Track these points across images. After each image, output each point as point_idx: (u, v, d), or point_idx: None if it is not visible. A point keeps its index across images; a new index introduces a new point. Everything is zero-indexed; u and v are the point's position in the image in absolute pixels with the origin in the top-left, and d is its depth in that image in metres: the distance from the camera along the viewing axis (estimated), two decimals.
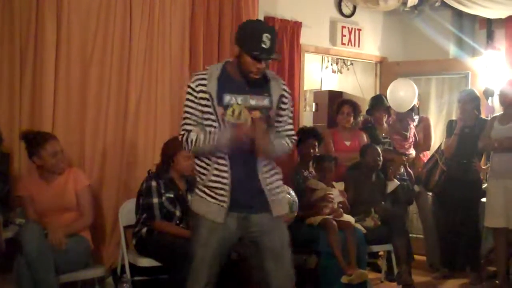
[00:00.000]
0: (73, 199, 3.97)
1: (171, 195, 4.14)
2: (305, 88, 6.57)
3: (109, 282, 4.45)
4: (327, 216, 4.74)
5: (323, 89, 8.39)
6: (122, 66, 4.66)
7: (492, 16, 6.46)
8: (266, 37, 2.88)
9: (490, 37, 6.71)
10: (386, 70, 6.91)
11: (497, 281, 5.22)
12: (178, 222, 4.11)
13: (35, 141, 3.89)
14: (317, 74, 8.41)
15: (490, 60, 6.48)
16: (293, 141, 3.20)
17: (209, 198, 2.99)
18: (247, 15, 5.28)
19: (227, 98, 2.96)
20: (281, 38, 5.77)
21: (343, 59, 7.75)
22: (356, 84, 7.94)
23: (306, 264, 4.64)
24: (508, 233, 5.14)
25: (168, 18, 4.87)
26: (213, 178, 2.97)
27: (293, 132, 3.21)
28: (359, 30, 6.65)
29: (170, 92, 4.88)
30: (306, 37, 6.10)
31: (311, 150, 5.13)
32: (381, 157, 5.25)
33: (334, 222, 4.69)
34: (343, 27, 6.49)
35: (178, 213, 4.12)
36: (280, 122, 3.12)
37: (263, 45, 2.88)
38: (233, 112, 2.95)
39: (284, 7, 5.94)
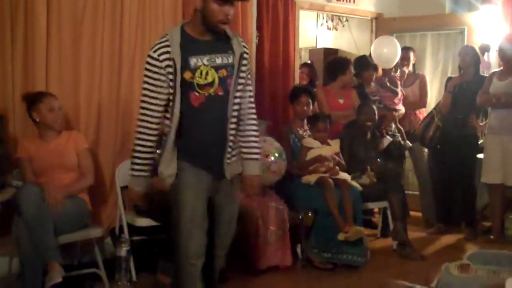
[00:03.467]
0: (74, 159, 3.99)
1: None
2: (300, 46, 6.49)
3: (108, 243, 4.48)
4: (323, 174, 4.76)
5: (318, 46, 8.32)
6: (115, 23, 4.56)
7: None
8: None
9: None
10: (382, 26, 6.84)
11: (491, 236, 5.29)
12: None
13: (34, 98, 3.93)
14: (312, 31, 8.32)
15: (486, 15, 6.41)
16: (255, 111, 3.24)
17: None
18: None
19: (193, 61, 2.93)
20: None
21: (339, 16, 7.65)
22: (351, 41, 7.88)
23: (302, 222, 4.66)
24: (504, 189, 5.18)
25: None
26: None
27: (252, 93, 3.25)
28: None
29: None
30: None
31: (305, 108, 5.10)
32: (376, 115, 5.25)
33: (330, 180, 4.71)
34: None
35: None
36: (242, 78, 3.10)
37: None
38: (201, 74, 2.95)
39: None
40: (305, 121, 5.13)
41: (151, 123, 3.00)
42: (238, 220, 3.31)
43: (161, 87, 2.94)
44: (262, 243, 4.42)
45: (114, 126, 4.62)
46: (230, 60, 3.02)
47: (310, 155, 4.90)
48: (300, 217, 4.66)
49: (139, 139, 3.03)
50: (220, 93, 3.01)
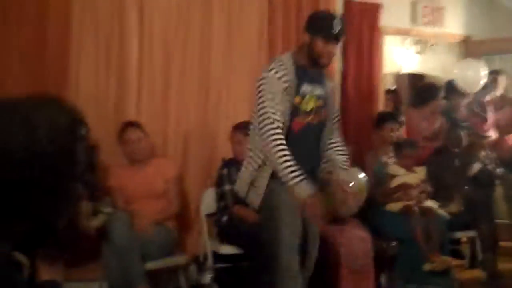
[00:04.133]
0: (162, 187, 4.13)
1: None
2: (384, 71, 6.44)
3: (193, 270, 4.58)
4: (408, 202, 4.68)
5: (403, 71, 8.20)
6: (203, 54, 4.77)
7: None
8: (336, 22, 3.13)
9: None
10: (470, 49, 6.67)
11: None
12: None
13: (122, 128, 4.15)
14: (398, 56, 8.21)
15: None
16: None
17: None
18: (326, 1, 5.25)
19: (303, 88, 3.17)
20: (360, 21, 5.69)
21: (425, 40, 7.53)
22: (438, 65, 7.71)
23: (386, 251, 4.59)
24: None
25: (246, 12, 4.93)
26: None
27: (339, 119, 3.51)
28: (441, 8, 6.43)
29: (249, 83, 4.91)
30: (386, 19, 5.95)
31: (390, 134, 5.06)
32: (464, 141, 5.12)
33: (416, 208, 4.62)
34: (424, 6, 6.30)
35: None
36: (335, 109, 3.43)
37: (334, 30, 3.11)
38: (307, 101, 3.18)
39: None
40: (390, 148, 5.08)
41: (280, 128, 3.05)
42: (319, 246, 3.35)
43: (281, 109, 3.07)
44: (345, 273, 4.38)
45: (200, 154, 4.76)
46: (324, 92, 3.28)
47: (395, 182, 4.84)
48: (385, 246, 4.60)
49: (276, 145, 3.02)
50: (315, 122, 3.25)
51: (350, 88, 5.67)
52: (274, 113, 3.04)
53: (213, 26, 4.80)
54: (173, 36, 4.67)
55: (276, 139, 3.02)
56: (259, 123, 3.07)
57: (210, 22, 4.79)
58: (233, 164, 4.22)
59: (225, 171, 4.20)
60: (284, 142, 3.03)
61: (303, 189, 2.99)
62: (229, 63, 4.86)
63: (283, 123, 3.07)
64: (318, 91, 3.24)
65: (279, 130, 3.03)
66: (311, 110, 3.21)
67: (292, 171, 2.98)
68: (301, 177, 2.98)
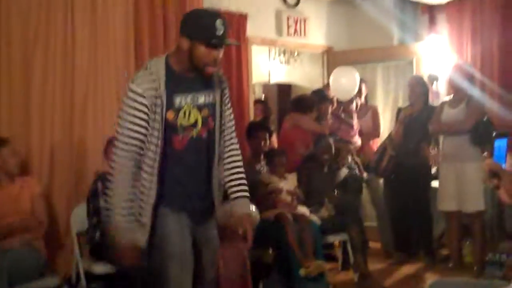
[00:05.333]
0: (28, 205, 3.91)
1: None
2: (253, 81, 6.52)
3: None
4: (282, 210, 4.73)
5: (271, 81, 8.37)
6: (66, 60, 4.49)
7: (433, 2, 6.56)
8: (219, 22, 2.66)
9: (432, 22, 6.81)
10: (332, 59, 6.94)
11: (450, 264, 5.32)
12: None
13: None
14: (265, 66, 8.37)
15: (433, 45, 6.58)
16: (238, 146, 3.05)
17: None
18: (192, 7, 5.20)
19: (177, 100, 2.74)
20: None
21: (290, 50, 7.73)
22: (303, 75, 7.96)
23: (262, 259, 4.61)
24: (459, 216, 5.24)
25: (111, 11, 4.73)
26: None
27: (236, 140, 3.04)
28: (305, 20, 6.63)
29: (116, 86, 4.73)
30: (252, 29, 6.03)
31: (262, 144, 5.11)
32: (333, 148, 5.29)
33: (289, 215, 4.69)
34: (288, 17, 6.46)
35: None
36: (227, 117, 2.94)
37: (218, 32, 2.65)
38: (184, 114, 2.76)
39: None
40: (262, 156, 5.12)
41: (129, 162, 2.70)
42: None
43: (140, 126, 2.68)
44: (224, 283, 4.33)
45: (68, 168, 4.50)
46: (211, 98, 2.85)
47: (268, 190, 4.88)
48: (261, 254, 4.61)
49: (120, 177, 2.70)
50: (204, 135, 2.84)
51: None
52: (128, 136, 2.67)
53: (76, 30, 4.54)
54: (33, 41, 4.34)
55: (122, 168, 2.69)
56: (115, 141, 2.73)
57: (73, 26, 4.53)
58: (107, 178, 4.03)
59: (99, 185, 4.00)
60: (129, 173, 2.69)
61: (131, 233, 2.71)
62: (94, 68, 4.63)
63: (145, 143, 2.70)
64: (202, 99, 2.81)
65: (129, 155, 2.68)
66: (195, 122, 2.79)
67: (123, 211, 2.69)
68: (130, 220, 2.70)
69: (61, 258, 4.39)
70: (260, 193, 4.85)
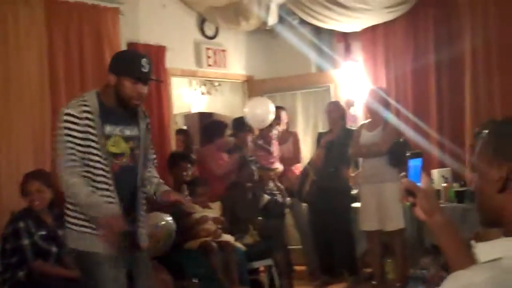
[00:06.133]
0: None
1: (44, 232, 3.95)
2: (174, 112, 6.54)
3: None
4: (206, 239, 4.75)
5: (193, 111, 8.41)
6: None
7: (347, 30, 6.79)
8: (144, 61, 2.99)
9: (347, 49, 7.04)
10: (253, 88, 7.05)
11: (374, 282, 5.45)
12: (55, 260, 3.95)
13: None
14: (186, 97, 8.41)
15: (349, 71, 6.79)
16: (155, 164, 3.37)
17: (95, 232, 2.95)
18: (109, 41, 5.19)
19: (107, 129, 2.99)
20: None
21: (211, 80, 7.80)
22: (225, 104, 8.04)
23: None
24: (380, 235, 5.39)
25: (25, 50, 4.65)
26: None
27: (155, 156, 3.40)
28: (224, 51, 6.72)
29: (32, 123, 4.64)
30: (171, 61, 6.06)
31: (184, 173, 5.14)
32: (256, 175, 5.37)
33: (214, 243, 4.71)
34: (207, 48, 6.52)
35: (54, 249, 3.94)
36: (150, 149, 3.28)
37: (143, 69, 2.97)
38: (114, 142, 3.02)
39: (147, 32, 5.85)
40: (185, 186, 5.14)
41: (76, 172, 2.94)
42: None
43: (78, 148, 2.93)
44: None
45: None
46: (136, 132, 3.12)
47: (192, 220, 4.88)
48: (185, 284, 4.59)
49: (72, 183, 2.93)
50: (131, 164, 3.10)
51: None
52: (67, 154, 2.92)
53: None
54: None
55: (72, 176, 2.92)
56: (58, 160, 3.00)
57: None
58: (28, 215, 3.94)
59: (21, 224, 3.90)
60: (80, 177, 2.93)
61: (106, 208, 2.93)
62: (7, 111, 4.53)
63: (83, 160, 2.95)
64: (128, 131, 3.08)
65: (73, 170, 2.92)
66: (123, 152, 3.06)
67: (90, 195, 2.93)
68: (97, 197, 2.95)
69: None
70: (183, 223, 4.86)
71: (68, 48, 4.98)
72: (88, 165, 2.95)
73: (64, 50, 4.95)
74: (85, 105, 2.96)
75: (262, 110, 5.97)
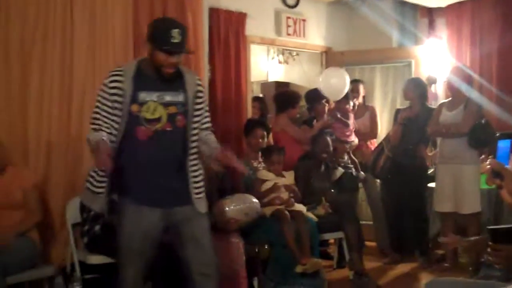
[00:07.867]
0: (20, 197, 3.88)
1: None
2: (251, 80, 6.54)
3: (59, 282, 4.32)
4: (279, 207, 4.74)
5: (269, 80, 8.39)
6: (64, 57, 4.44)
7: (432, 5, 6.58)
8: (176, 32, 3.02)
9: (431, 25, 6.83)
10: (331, 60, 6.95)
11: (446, 264, 5.34)
12: None
13: None
14: (264, 65, 8.40)
15: (432, 48, 6.60)
16: (212, 131, 3.43)
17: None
18: (191, 6, 5.22)
19: (142, 95, 3.10)
20: (227, 30, 5.73)
21: (289, 50, 7.75)
22: (302, 74, 7.98)
23: (258, 255, 4.61)
24: (455, 217, 5.26)
25: (110, 9, 4.70)
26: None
27: (210, 124, 3.42)
28: (304, 20, 6.65)
29: None
30: (251, 28, 6.04)
31: (260, 141, 5.13)
32: (331, 147, 5.30)
33: (286, 212, 4.69)
34: (287, 17, 6.47)
35: None
36: (198, 116, 3.28)
37: (173, 40, 3.02)
38: (148, 108, 3.10)
39: None
40: (259, 153, 5.14)
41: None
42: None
43: (104, 113, 3.10)
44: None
45: (63, 162, 4.47)
46: (181, 98, 3.18)
47: (265, 187, 4.89)
48: (257, 250, 4.61)
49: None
50: (168, 129, 3.15)
51: (218, 95, 5.67)
52: (97, 119, 3.11)
53: (75, 24, 4.51)
54: (31, 40, 4.33)
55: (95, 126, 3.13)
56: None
57: (72, 20, 4.51)
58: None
59: None
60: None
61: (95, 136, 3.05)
62: (92, 67, 4.60)
63: (109, 128, 3.10)
64: (169, 97, 3.15)
65: (96, 127, 3.12)
66: (160, 117, 3.13)
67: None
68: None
69: (56, 249, 4.37)
70: (257, 189, 4.87)
71: (152, 12, 5.03)
72: (115, 129, 3.10)
73: (149, 13, 5.00)
74: (117, 75, 3.09)
75: (337, 81, 5.86)
